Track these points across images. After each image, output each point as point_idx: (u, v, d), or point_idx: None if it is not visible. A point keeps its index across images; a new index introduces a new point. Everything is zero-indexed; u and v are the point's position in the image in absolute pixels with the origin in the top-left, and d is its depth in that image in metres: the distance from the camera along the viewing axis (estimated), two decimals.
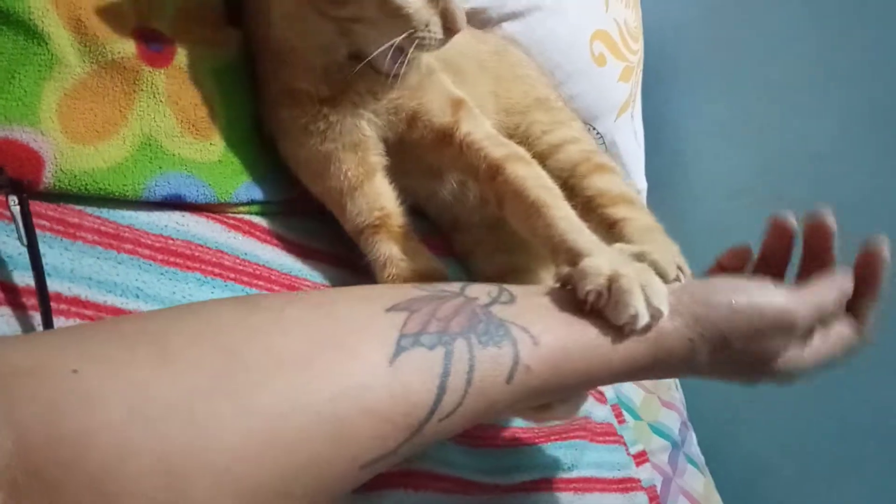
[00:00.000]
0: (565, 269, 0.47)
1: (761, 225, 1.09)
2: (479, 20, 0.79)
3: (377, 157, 0.57)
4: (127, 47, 0.47)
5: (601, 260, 0.45)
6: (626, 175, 1.00)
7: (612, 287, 0.43)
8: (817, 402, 1.01)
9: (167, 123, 0.50)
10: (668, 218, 1.12)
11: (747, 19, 1.08)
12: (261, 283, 0.55)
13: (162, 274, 0.48)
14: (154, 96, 0.49)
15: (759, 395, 1.07)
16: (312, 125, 0.54)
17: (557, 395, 0.53)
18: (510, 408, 0.46)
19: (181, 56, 0.51)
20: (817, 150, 1.03)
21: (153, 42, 0.49)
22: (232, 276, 0.52)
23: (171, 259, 0.49)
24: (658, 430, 0.93)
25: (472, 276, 0.71)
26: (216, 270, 0.52)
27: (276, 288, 0.56)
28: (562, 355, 0.41)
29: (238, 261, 0.54)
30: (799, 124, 1.05)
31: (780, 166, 1.08)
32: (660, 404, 0.96)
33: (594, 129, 0.92)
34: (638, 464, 0.81)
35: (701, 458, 0.99)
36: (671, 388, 1.01)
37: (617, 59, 0.92)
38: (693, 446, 1.00)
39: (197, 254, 0.51)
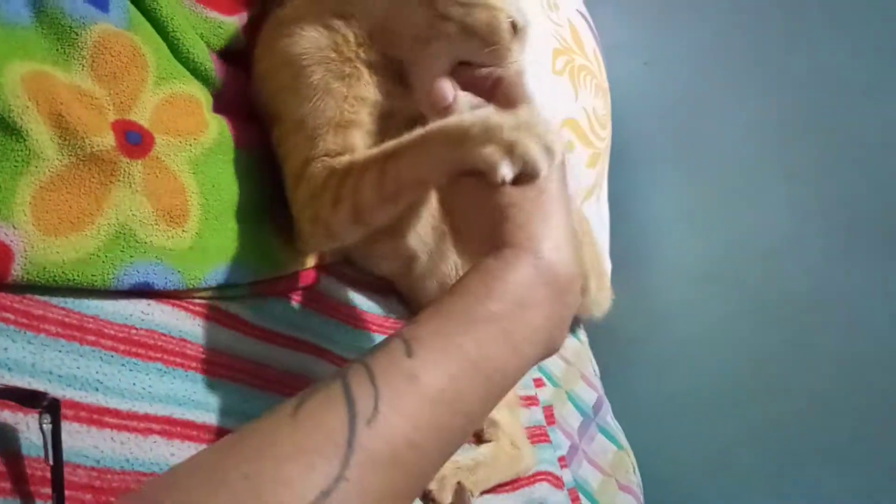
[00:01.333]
0: None
1: (721, 307, 1.14)
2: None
3: (371, 124, 0.59)
4: (106, 140, 0.48)
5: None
6: None
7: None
8: None
9: (142, 212, 0.50)
10: (631, 298, 1.16)
11: (710, 111, 1.13)
12: (223, 370, 0.55)
13: (123, 365, 0.48)
14: (130, 186, 0.50)
15: (727, 486, 1.10)
16: (338, 64, 0.58)
17: None
18: None
19: (159, 147, 0.52)
20: (771, 238, 1.07)
21: (131, 134, 0.50)
22: (193, 364, 0.53)
23: (134, 349, 0.49)
24: None
25: None
26: (178, 360, 0.52)
27: (239, 375, 0.56)
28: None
29: (201, 349, 0.54)
30: (754, 213, 1.09)
31: (737, 253, 1.12)
32: (617, 488, 0.97)
33: None
34: None
35: None
36: (629, 471, 1.03)
37: (584, 147, 0.95)
38: None
39: (160, 343, 0.51)
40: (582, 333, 1.15)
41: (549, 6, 0.97)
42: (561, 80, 0.93)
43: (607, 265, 1.09)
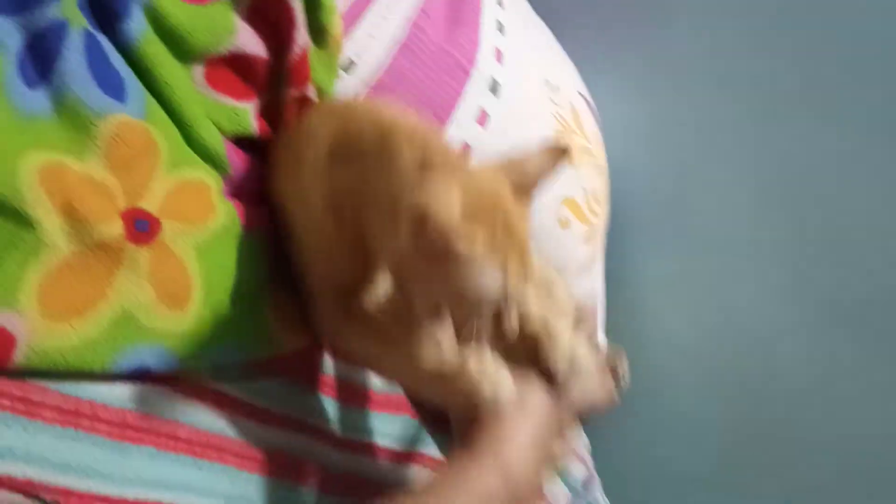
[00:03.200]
0: None
1: (715, 382, 1.14)
2: None
3: None
4: (114, 228, 0.50)
5: None
6: None
7: None
8: None
9: (145, 297, 0.52)
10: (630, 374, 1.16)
11: (707, 187, 1.16)
12: (214, 452, 0.56)
13: (115, 449, 0.49)
14: (135, 272, 0.51)
15: None
16: None
17: None
18: None
19: (166, 232, 0.53)
20: (765, 315, 1.09)
21: (140, 222, 0.52)
22: (183, 447, 0.54)
23: (127, 433, 0.50)
24: None
25: None
26: (170, 443, 0.53)
27: (230, 457, 0.57)
28: None
29: (192, 430, 0.55)
30: (750, 290, 1.10)
31: (732, 328, 1.13)
32: None
33: None
34: None
35: None
36: None
37: (581, 223, 0.97)
38: None
39: (153, 426, 0.52)
40: None
41: (550, 88, 1.00)
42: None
43: (601, 339, 1.09)
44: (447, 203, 0.45)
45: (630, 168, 1.18)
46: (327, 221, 0.57)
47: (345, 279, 0.57)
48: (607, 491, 1.10)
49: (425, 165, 0.49)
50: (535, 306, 0.59)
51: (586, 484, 1.05)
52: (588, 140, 1.04)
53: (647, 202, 1.22)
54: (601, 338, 1.10)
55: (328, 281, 0.60)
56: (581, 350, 0.59)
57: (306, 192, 0.59)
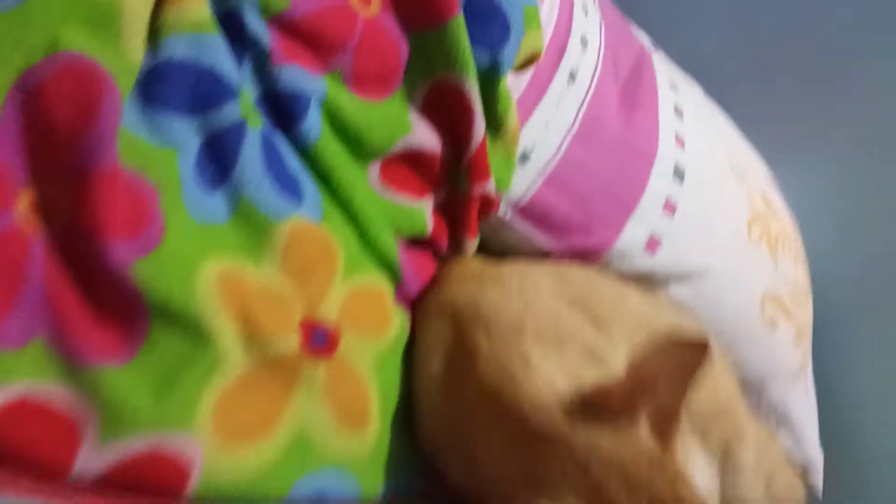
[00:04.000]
0: None
1: None
2: (648, 282, 0.75)
3: None
4: (292, 342, 0.45)
5: None
6: (798, 445, 0.88)
7: None
8: None
9: (322, 418, 0.47)
10: (846, 488, 0.99)
11: None
12: None
13: None
14: (311, 390, 0.46)
15: None
16: None
17: None
18: None
19: (345, 346, 0.49)
20: None
21: (318, 333, 0.47)
22: None
23: None
24: None
25: None
26: None
27: None
28: None
29: None
30: None
31: None
32: None
33: (766, 398, 0.83)
34: None
35: None
36: None
37: (788, 322, 0.84)
38: None
39: None
40: None
41: (736, 172, 0.91)
42: (759, 250, 0.84)
43: (817, 454, 0.93)
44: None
45: (827, 256, 1.04)
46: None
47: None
48: None
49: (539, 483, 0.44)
50: None
51: None
52: (783, 225, 0.93)
53: (852, 295, 1.06)
54: (817, 453, 0.94)
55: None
56: None
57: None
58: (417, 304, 0.58)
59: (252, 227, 0.47)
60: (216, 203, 0.48)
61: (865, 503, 1.04)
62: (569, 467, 0.43)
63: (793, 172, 1.10)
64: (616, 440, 0.43)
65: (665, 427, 0.44)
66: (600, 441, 0.43)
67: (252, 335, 0.44)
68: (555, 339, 0.52)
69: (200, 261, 0.44)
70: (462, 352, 0.52)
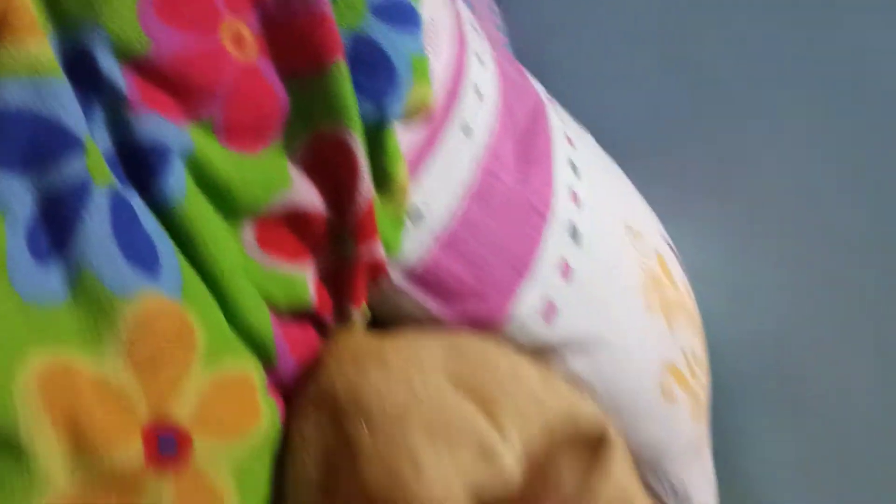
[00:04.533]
0: None
1: None
2: (545, 356, 0.70)
3: None
4: (132, 452, 0.37)
5: None
6: None
7: None
8: None
9: None
10: None
11: (820, 343, 1.00)
12: None
13: None
14: None
15: None
16: None
17: None
18: None
19: (199, 453, 0.40)
20: None
21: (166, 440, 0.39)
22: None
23: None
24: None
25: None
26: None
27: None
28: None
29: None
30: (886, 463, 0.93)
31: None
32: None
33: (667, 478, 0.80)
34: None
35: None
36: None
37: (686, 395, 0.82)
38: None
39: None
40: None
41: (632, 234, 0.89)
42: (656, 319, 0.82)
43: None
44: None
45: (724, 326, 1.04)
46: None
47: None
48: None
49: None
50: None
51: None
52: (679, 292, 0.92)
53: (744, 363, 1.06)
54: None
55: None
56: None
57: None
58: (293, 392, 0.51)
59: (92, 307, 0.39)
60: (50, 278, 0.39)
61: None
62: None
63: (686, 233, 1.10)
64: None
65: None
66: None
67: (81, 448, 0.36)
68: (445, 433, 0.47)
69: (24, 352, 0.36)
70: (342, 450, 0.45)
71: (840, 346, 0.97)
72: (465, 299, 0.67)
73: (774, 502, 1.02)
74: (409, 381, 0.49)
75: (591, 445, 0.45)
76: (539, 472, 0.46)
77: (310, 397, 0.49)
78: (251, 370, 0.47)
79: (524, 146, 0.80)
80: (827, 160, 0.99)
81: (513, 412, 0.54)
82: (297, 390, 0.51)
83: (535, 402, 0.47)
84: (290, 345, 0.51)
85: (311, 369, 0.51)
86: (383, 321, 0.65)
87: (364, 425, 0.45)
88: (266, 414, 0.46)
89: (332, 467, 0.45)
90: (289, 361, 0.51)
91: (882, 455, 0.91)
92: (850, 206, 0.96)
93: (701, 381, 0.88)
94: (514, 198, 0.73)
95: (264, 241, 0.52)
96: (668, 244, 1.00)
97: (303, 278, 0.53)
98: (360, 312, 0.60)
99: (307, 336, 0.55)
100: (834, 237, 0.99)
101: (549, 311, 0.72)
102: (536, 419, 0.55)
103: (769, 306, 1.06)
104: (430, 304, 0.65)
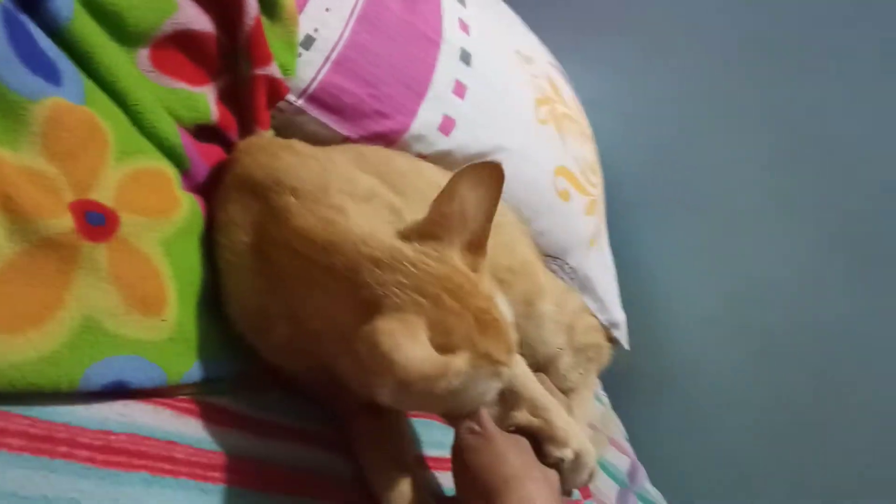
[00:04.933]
0: None
1: (742, 347, 1.07)
2: (446, 162, 0.78)
3: None
4: (63, 222, 0.42)
5: None
6: (603, 309, 0.97)
7: None
8: None
9: (110, 301, 0.44)
10: (648, 349, 1.10)
11: (701, 150, 1.10)
12: (217, 473, 0.48)
13: (102, 478, 0.41)
14: (94, 273, 0.44)
15: None
16: None
17: None
18: None
19: (126, 227, 0.46)
20: (782, 269, 1.02)
21: (93, 215, 0.45)
22: (185, 470, 0.45)
23: (113, 458, 0.42)
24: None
25: None
26: (166, 466, 0.45)
27: (237, 477, 0.49)
28: None
29: (191, 451, 0.47)
30: (761, 246, 1.04)
31: (751, 287, 1.06)
32: None
33: (567, 264, 0.90)
34: None
35: None
36: None
37: (581, 194, 0.91)
38: None
39: (143, 448, 0.44)
40: (603, 395, 1.08)
41: (522, 58, 0.95)
42: (547, 128, 0.90)
43: (620, 316, 1.02)
44: (417, 355, 0.41)
45: (617, 140, 1.13)
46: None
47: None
48: (654, 479, 1.02)
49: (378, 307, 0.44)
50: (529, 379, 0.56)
51: (632, 474, 0.97)
52: (569, 108, 0.99)
53: (640, 174, 1.16)
54: (620, 315, 1.03)
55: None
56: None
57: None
58: (212, 189, 0.56)
59: (4, 110, 0.43)
60: None
61: (674, 367, 1.16)
62: (407, 286, 0.44)
63: (583, 69, 1.17)
64: (442, 262, 0.46)
65: (476, 251, 0.48)
66: (430, 261, 0.45)
67: (16, 219, 0.41)
68: (361, 197, 0.53)
69: None
70: (271, 217, 0.51)
71: (721, 152, 1.08)
72: (367, 118, 0.73)
73: (667, 282, 1.14)
74: (319, 162, 0.55)
75: (488, 177, 0.48)
76: (448, 208, 0.48)
77: (228, 184, 0.55)
78: (165, 167, 0.52)
79: None
80: None
81: (415, 193, 0.60)
82: (213, 183, 0.56)
83: (437, 188, 0.52)
84: (202, 155, 0.57)
85: (225, 165, 0.57)
86: None
87: (290, 194, 0.50)
88: (186, 203, 0.52)
89: (263, 230, 0.50)
90: (200, 166, 0.56)
91: (758, 229, 1.04)
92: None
93: (595, 185, 0.97)
94: (403, 26, 0.78)
95: (161, 65, 0.56)
96: (559, 70, 1.07)
97: (202, 97, 0.58)
98: (265, 134, 0.65)
99: (216, 151, 0.60)
100: (714, 60, 1.08)
101: (447, 125, 0.79)
102: None
103: (658, 125, 1.16)
104: (331, 122, 0.70)
